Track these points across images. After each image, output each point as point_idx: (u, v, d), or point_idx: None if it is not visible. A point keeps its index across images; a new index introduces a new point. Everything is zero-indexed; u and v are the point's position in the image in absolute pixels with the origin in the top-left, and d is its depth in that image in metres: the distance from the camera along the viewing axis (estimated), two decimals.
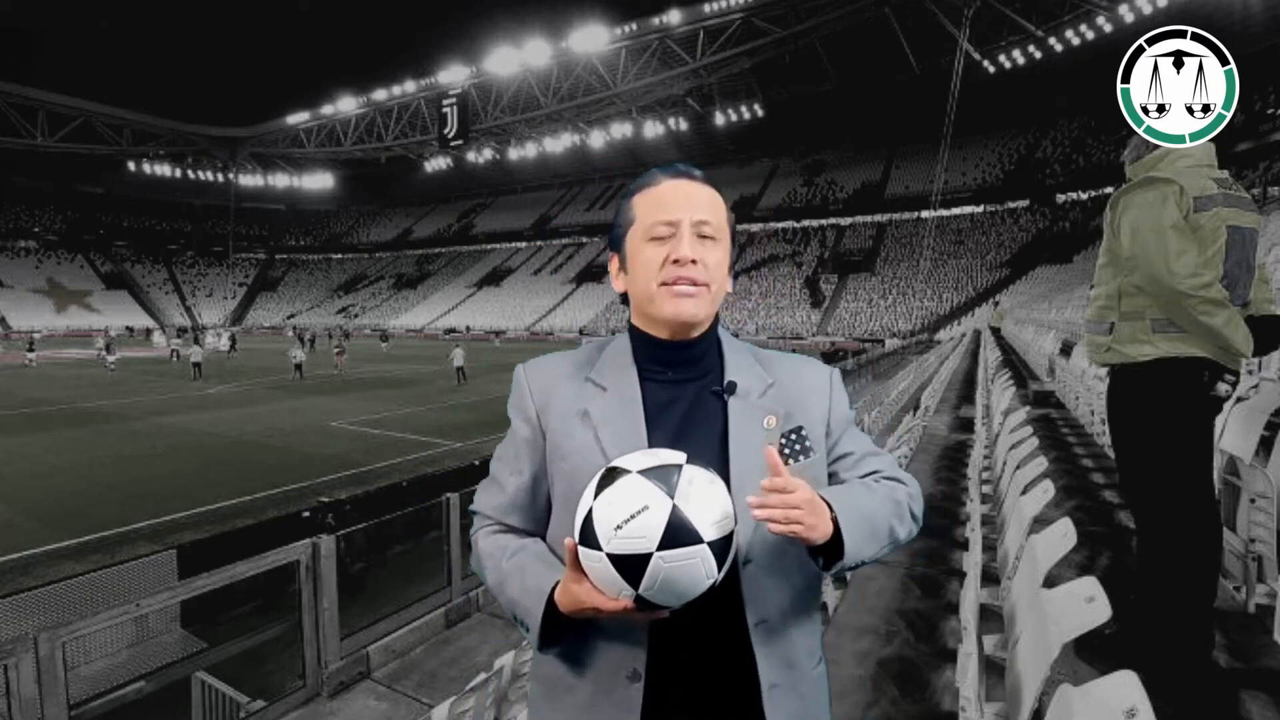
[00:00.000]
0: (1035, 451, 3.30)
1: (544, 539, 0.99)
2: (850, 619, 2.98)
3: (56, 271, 65.65)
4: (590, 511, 0.81)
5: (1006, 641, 2.07)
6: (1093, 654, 2.07)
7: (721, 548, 0.80)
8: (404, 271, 73.31)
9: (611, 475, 0.82)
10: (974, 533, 2.80)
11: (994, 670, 2.07)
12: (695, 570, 0.79)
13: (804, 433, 0.97)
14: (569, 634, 0.90)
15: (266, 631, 5.30)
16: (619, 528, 0.78)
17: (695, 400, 0.97)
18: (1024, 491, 2.65)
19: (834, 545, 0.87)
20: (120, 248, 72.72)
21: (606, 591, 0.81)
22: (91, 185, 74.48)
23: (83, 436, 13.95)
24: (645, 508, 0.78)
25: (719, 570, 0.81)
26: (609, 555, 0.79)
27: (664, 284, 0.94)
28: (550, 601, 0.87)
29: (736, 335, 1.05)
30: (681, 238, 0.94)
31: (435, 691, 4.48)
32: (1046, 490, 2.49)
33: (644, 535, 0.78)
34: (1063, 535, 1.95)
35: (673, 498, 0.79)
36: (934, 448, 6.61)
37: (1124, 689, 1.13)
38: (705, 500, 0.80)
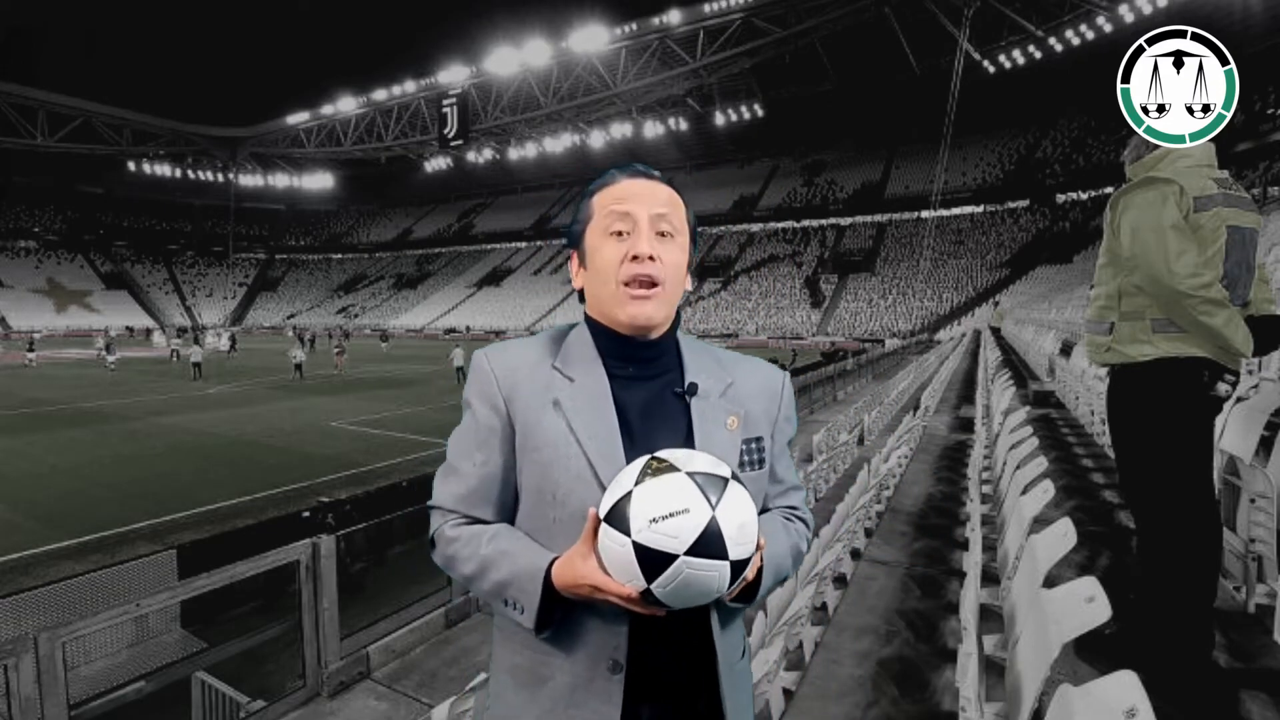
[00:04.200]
0: (1035, 451, 3.30)
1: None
2: (850, 619, 2.99)
3: (56, 271, 65.64)
4: (629, 495, 0.80)
5: (1006, 641, 2.07)
6: (1093, 654, 2.07)
7: (739, 568, 0.81)
8: (404, 271, 73.32)
9: (659, 466, 0.82)
10: (974, 533, 2.80)
11: (994, 670, 2.08)
12: (711, 582, 0.79)
13: (762, 444, 1.01)
14: (559, 615, 0.89)
15: (266, 631, 5.29)
16: (654, 521, 0.78)
17: (657, 398, 0.98)
18: (1024, 491, 2.65)
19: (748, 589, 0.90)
20: (120, 248, 72.71)
21: (617, 577, 0.81)
22: (91, 185, 74.46)
23: (83, 436, 13.93)
24: (686, 510, 0.78)
25: (729, 587, 0.81)
26: (635, 544, 0.78)
27: (623, 284, 0.94)
28: (548, 580, 0.86)
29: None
30: (640, 234, 0.94)
31: (435, 691, 4.47)
32: (1046, 490, 2.49)
33: (677, 536, 0.77)
34: (1063, 535, 1.96)
35: (714, 509, 0.79)
36: (934, 448, 6.61)
37: (1124, 689, 1.14)
38: (740, 519, 0.81)
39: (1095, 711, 1.16)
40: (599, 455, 0.90)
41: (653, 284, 0.94)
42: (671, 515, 0.78)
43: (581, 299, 1.03)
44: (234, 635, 5.28)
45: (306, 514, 6.56)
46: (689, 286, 1.02)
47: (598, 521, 0.82)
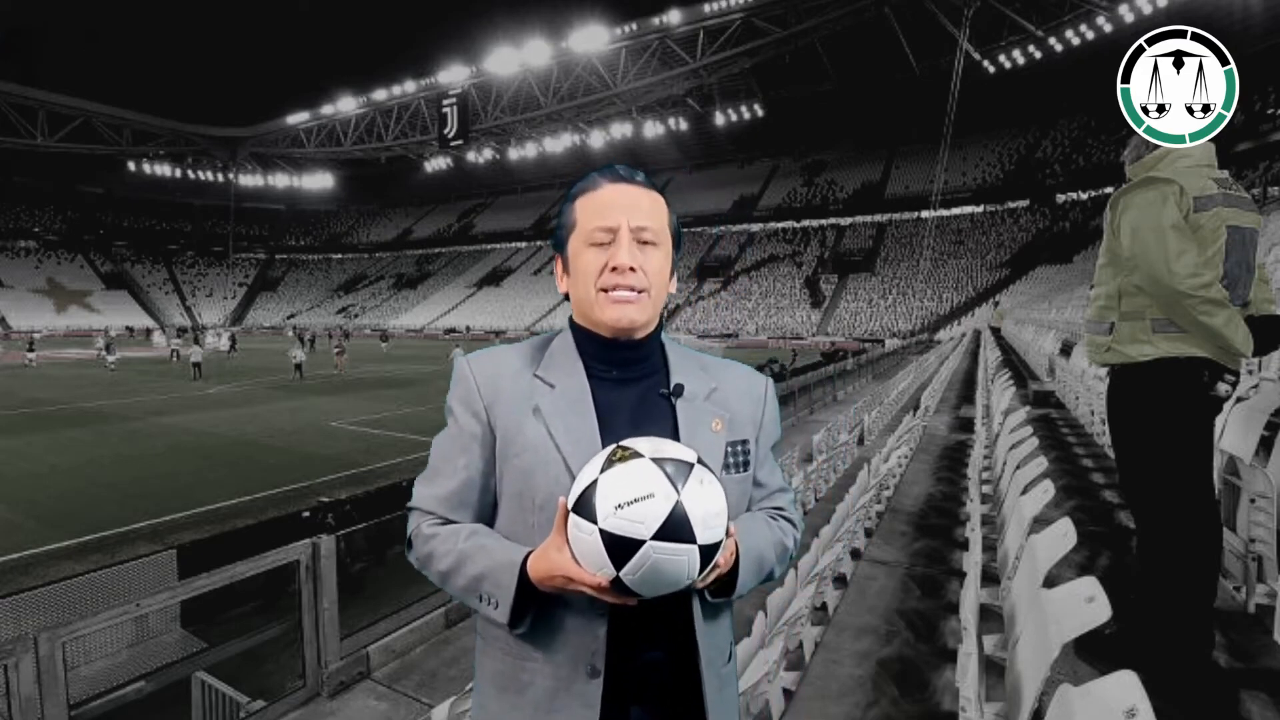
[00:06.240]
0: (1035, 451, 3.30)
1: None
2: (850, 619, 2.99)
3: (56, 271, 65.63)
4: (594, 484, 0.80)
5: (1006, 641, 2.07)
6: (1093, 654, 2.07)
7: (708, 552, 0.81)
8: (404, 271, 73.32)
9: (624, 454, 0.82)
10: (974, 533, 2.80)
11: (994, 670, 2.08)
12: (680, 567, 0.79)
13: (747, 447, 1.01)
14: (533, 610, 0.89)
15: (266, 631, 5.29)
16: (620, 507, 0.78)
17: (642, 400, 0.98)
18: (1024, 491, 2.65)
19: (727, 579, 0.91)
20: (120, 248, 72.70)
21: (587, 566, 0.81)
22: (91, 185, 74.45)
23: (83, 436, 13.93)
24: (650, 495, 0.78)
25: (699, 572, 0.81)
26: (602, 531, 0.78)
27: (603, 290, 0.95)
28: (523, 573, 0.87)
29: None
30: (620, 244, 0.95)
31: (435, 691, 4.47)
32: (1046, 490, 2.49)
33: (642, 521, 0.77)
34: (1063, 535, 1.96)
35: (679, 493, 0.79)
36: (934, 448, 6.61)
37: (1124, 689, 1.14)
38: (706, 503, 0.80)
39: (1095, 711, 1.16)
40: (577, 459, 0.90)
41: (633, 291, 0.95)
42: (636, 501, 0.78)
43: (568, 299, 1.03)
44: (234, 635, 5.28)
45: (306, 514, 6.57)
46: (673, 290, 1.03)
47: (567, 511, 0.82)
